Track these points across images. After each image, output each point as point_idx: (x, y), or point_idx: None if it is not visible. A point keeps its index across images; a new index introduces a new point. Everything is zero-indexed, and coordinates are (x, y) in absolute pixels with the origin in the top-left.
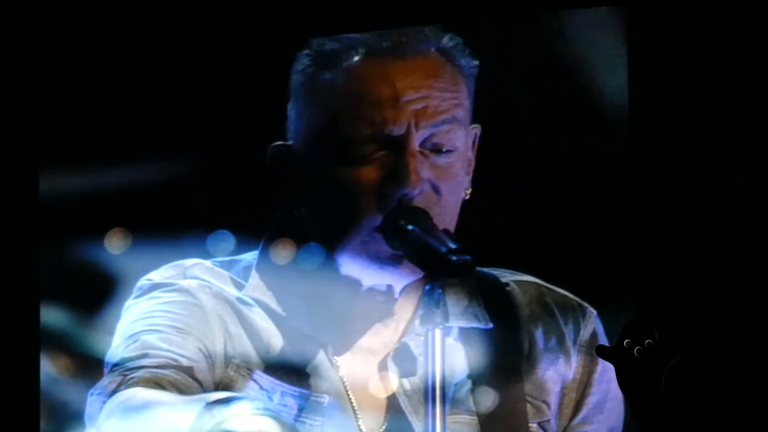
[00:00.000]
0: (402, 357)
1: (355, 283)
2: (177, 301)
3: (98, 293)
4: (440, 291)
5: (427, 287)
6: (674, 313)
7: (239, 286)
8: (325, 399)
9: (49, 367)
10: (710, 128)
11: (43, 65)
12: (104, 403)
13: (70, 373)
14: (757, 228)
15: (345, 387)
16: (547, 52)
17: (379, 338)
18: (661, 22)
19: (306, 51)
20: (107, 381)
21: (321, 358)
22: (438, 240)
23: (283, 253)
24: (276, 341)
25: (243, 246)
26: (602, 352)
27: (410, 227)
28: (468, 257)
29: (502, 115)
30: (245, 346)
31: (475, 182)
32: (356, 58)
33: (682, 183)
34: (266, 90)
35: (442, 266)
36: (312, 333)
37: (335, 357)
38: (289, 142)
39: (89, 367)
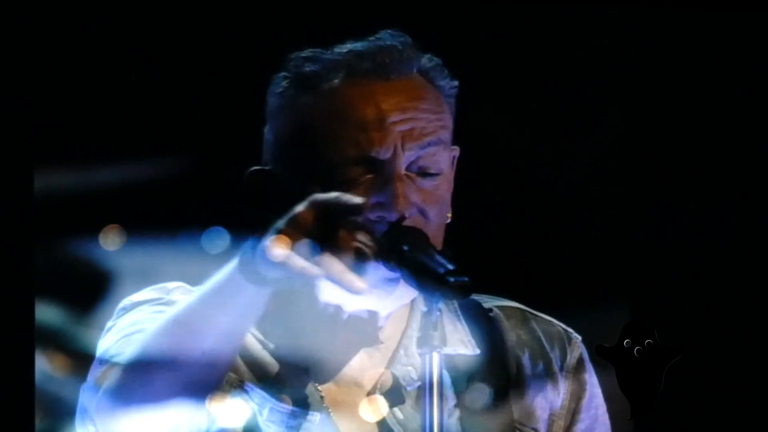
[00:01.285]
0: (389, 388)
1: (337, 309)
2: (165, 311)
3: (93, 290)
4: (438, 313)
5: (425, 309)
6: (670, 315)
7: None
8: (316, 417)
9: (44, 364)
10: (705, 127)
11: (38, 64)
12: (99, 389)
13: (65, 369)
14: (756, 228)
15: (331, 417)
16: (537, 57)
17: (364, 368)
18: (660, 23)
19: (283, 73)
20: (99, 371)
21: (305, 385)
22: (435, 261)
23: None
24: (264, 361)
25: (237, 243)
26: (602, 353)
27: (406, 248)
28: (466, 278)
29: (482, 135)
30: (236, 360)
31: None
32: (337, 80)
33: (680, 184)
34: (258, 92)
35: (440, 287)
36: (295, 360)
37: (319, 386)
38: (267, 167)
39: (84, 363)
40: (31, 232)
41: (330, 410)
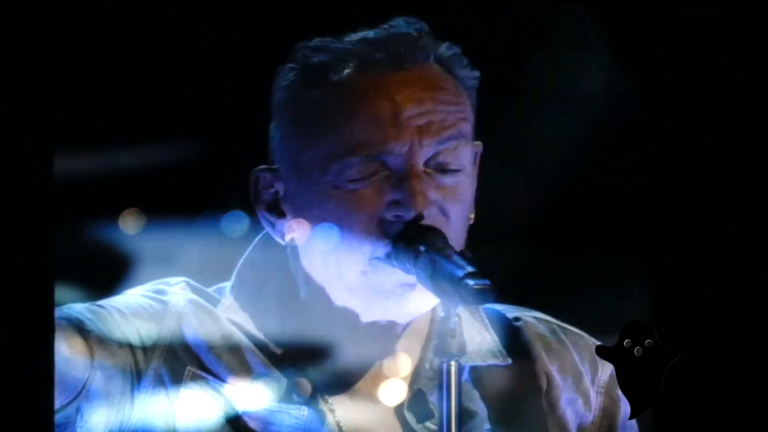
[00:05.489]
0: (418, 405)
1: (353, 317)
2: (145, 294)
3: (112, 274)
4: (456, 320)
5: (442, 314)
6: (683, 314)
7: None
8: (305, 411)
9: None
10: (716, 130)
11: (58, 47)
12: None
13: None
14: (761, 229)
15: (341, 430)
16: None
17: (379, 381)
18: (664, 23)
19: (290, 65)
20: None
21: (316, 398)
22: (454, 263)
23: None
24: (256, 366)
25: (256, 228)
26: (602, 353)
27: (423, 248)
28: (487, 281)
29: (505, 131)
30: (243, 365)
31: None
32: (348, 71)
33: (690, 185)
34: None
35: (458, 292)
36: (304, 369)
37: (329, 398)
38: (275, 167)
39: None
40: (49, 216)
41: (341, 424)
